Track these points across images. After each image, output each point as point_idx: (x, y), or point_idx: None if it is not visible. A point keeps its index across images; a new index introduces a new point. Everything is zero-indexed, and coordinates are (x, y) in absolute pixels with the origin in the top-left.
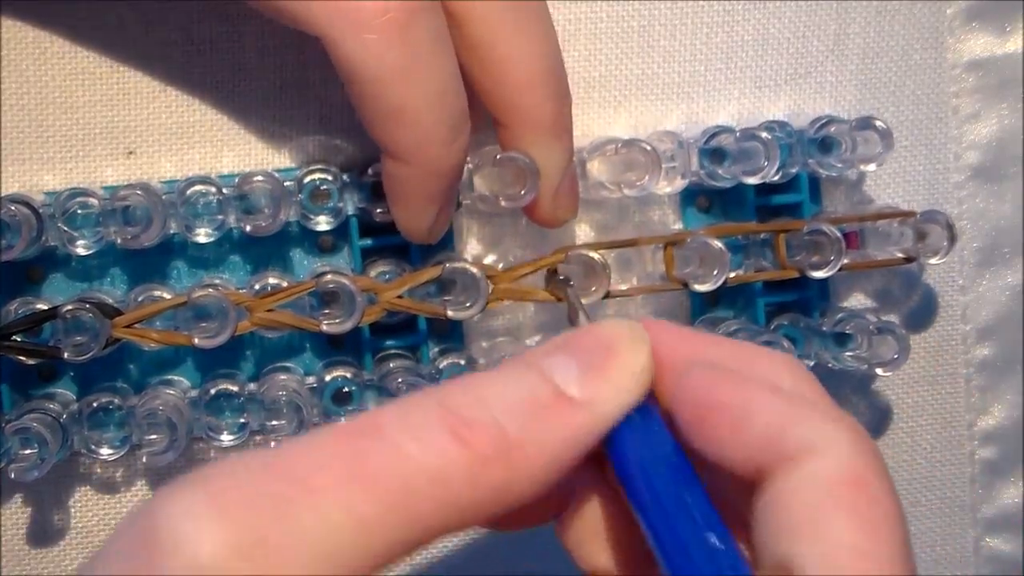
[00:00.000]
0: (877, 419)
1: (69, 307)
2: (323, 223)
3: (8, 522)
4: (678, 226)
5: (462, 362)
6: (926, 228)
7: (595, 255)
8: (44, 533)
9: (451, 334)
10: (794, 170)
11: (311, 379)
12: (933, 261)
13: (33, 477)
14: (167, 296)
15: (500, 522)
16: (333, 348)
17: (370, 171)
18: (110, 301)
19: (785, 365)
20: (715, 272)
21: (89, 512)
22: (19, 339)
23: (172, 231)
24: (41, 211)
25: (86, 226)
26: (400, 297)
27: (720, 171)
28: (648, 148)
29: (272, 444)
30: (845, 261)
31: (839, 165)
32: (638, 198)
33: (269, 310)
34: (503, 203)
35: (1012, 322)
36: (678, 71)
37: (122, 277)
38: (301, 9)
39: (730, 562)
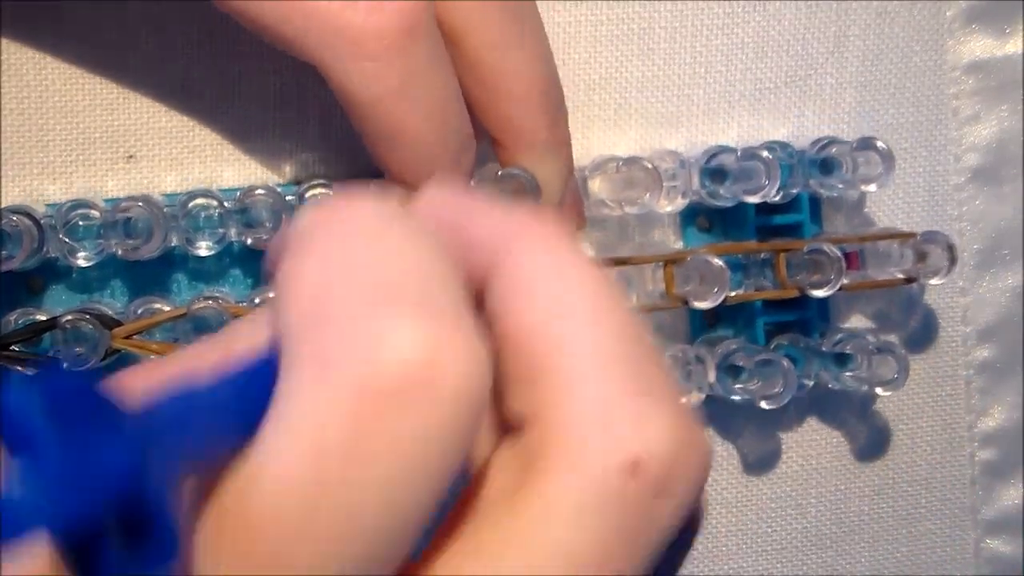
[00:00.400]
0: (877, 421)
1: (69, 318)
2: None
3: None
4: (679, 245)
5: None
6: (926, 248)
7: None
8: None
9: None
10: (795, 190)
11: None
12: (933, 282)
13: None
14: (167, 308)
15: None
16: None
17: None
18: (110, 313)
19: None
20: (715, 290)
21: None
22: (18, 349)
23: (173, 244)
24: (42, 222)
25: (87, 238)
26: None
27: (721, 190)
28: (649, 166)
29: None
30: (845, 281)
31: (840, 186)
32: (639, 216)
33: None
34: None
35: (1012, 324)
36: (678, 73)
37: (122, 289)
38: (296, 36)
39: None
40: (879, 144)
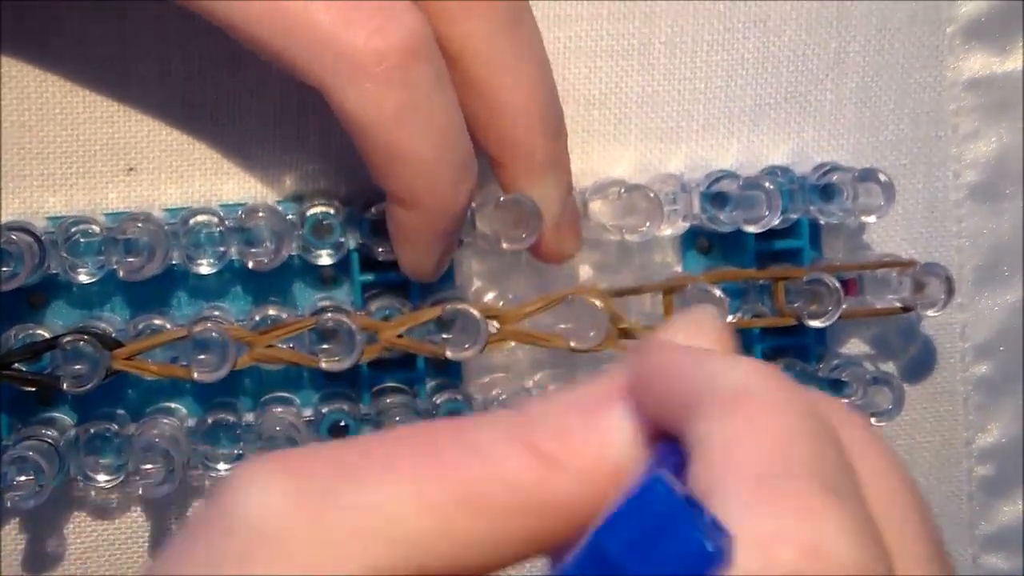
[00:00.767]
0: None
1: (69, 338)
2: (325, 257)
3: (4, 547)
4: (678, 268)
5: (459, 398)
6: (925, 279)
7: (597, 301)
8: (40, 558)
9: (448, 370)
10: (795, 216)
11: (308, 412)
12: (930, 313)
13: (30, 506)
14: (167, 326)
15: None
16: (331, 380)
17: (373, 210)
18: (110, 329)
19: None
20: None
21: (85, 537)
22: (19, 368)
23: (174, 261)
24: (43, 238)
25: (88, 254)
26: (400, 336)
27: (722, 216)
28: (651, 195)
29: None
30: (843, 308)
31: (840, 213)
32: (639, 241)
33: (269, 346)
34: (505, 245)
35: (1011, 340)
36: (678, 89)
37: (123, 305)
38: (297, 58)
39: None
40: (881, 176)
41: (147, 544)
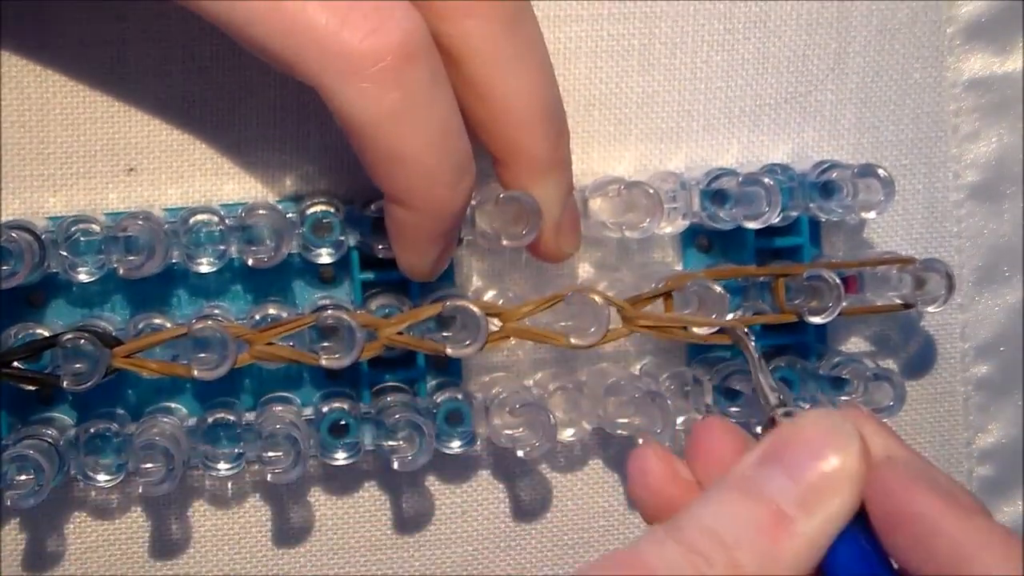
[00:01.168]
0: None
1: (69, 336)
2: (325, 255)
3: (5, 548)
4: (679, 265)
5: (459, 397)
6: (925, 276)
7: (597, 298)
8: (40, 558)
9: (449, 368)
10: (795, 213)
11: (308, 411)
12: (931, 309)
13: (29, 504)
14: (167, 324)
15: None
16: (331, 379)
17: (372, 207)
18: (110, 328)
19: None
20: (714, 316)
21: (85, 537)
22: (19, 366)
23: (174, 260)
24: (43, 237)
25: (88, 253)
26: (400, 333)
27: (722, 214)
28: (651, 191)
29: (268, 476)
30: (843, 305)
31: (840, 210)
32: (639, 238)
33: (269, 343)
34: (504, 242)
35: (1011, 341)
36: (679, 90)
37: (123, 303)
38: (294, 58)
39: None
40: (880, 172)
41: (147, 544)
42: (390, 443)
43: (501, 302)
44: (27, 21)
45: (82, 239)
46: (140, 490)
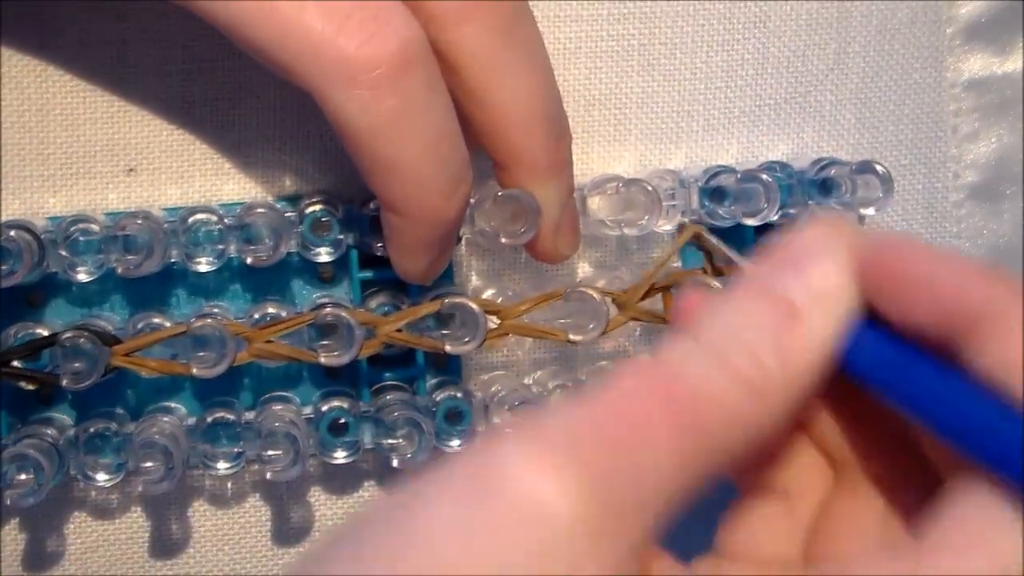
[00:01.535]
0: None
1: (68, 335)
2: (323, 254)
3: (5, 547)
4: (677, 264)
5: (459, 395)
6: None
7: (595, 294)
8: (40, 558)
9: (449, 367)
10: (794, 211)
11: (308, 409)
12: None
13: (29, 503)
14: (166, 323)
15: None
16: (330, 378)
17: (371, 205)
18: (110, 327)
19: None
20: None
21: (85, 537)
22: (18, 365)
23: (173, 259)
24: (43, 237)
25: (87, 252)
26: (399, 331)
27: (720, 211)
28: (649, 188)
29: (267, 475)
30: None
31: (839, 207)
32: (638, 235)
33: (268, 341)
34: (503, 240)
35: None
36: (678, 90)
37: (122, 303)
38: (290, 63)
39: None
40: (879, 168)
41: (147, 544)
42: (390, 441)
43: (500, 300)
44: (27, 21)
45: (81, 239)
46: (140, 489)
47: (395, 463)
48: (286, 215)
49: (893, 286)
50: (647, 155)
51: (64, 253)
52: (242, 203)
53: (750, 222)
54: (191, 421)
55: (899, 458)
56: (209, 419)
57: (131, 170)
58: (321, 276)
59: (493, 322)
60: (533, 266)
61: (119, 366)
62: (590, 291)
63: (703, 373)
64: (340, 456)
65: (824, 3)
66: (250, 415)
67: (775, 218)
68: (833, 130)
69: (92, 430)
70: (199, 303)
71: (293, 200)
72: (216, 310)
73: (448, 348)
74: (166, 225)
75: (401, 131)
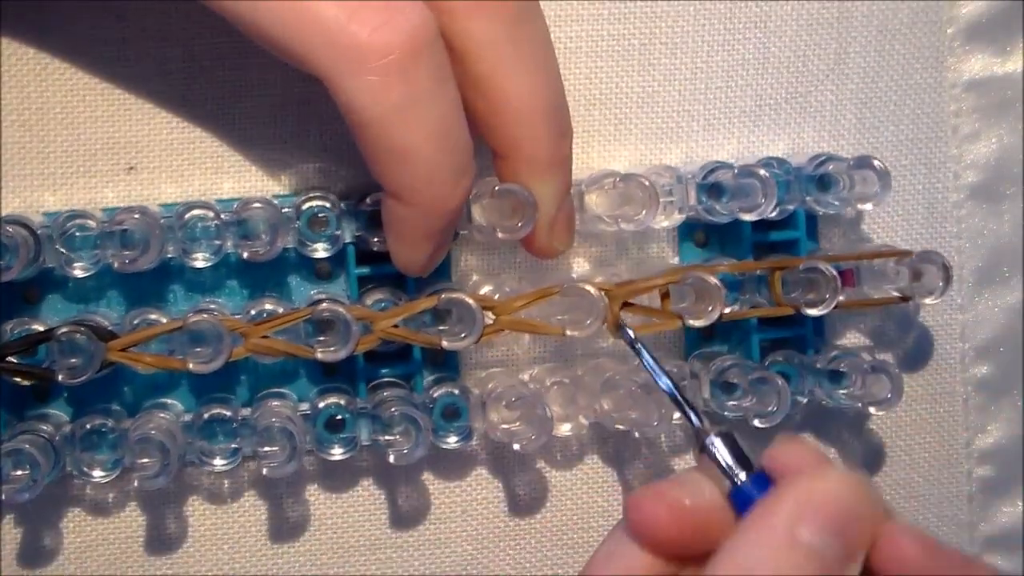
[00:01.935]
0: (873, 438)
1: (64, 330)
2: (320, 250)
3: (2, 545)
4: (675, 260)
5: (456, 392)
6: (922, 268)
7: (591, 289)
8: (37, 554)
9: (446, 364)
10: (791, 207)
11: (304, 406)
12: (928, 301)
13: (24, 499)
14: (163, 319)
15: None
16: (327, 374)
17: (368, 200)
18: (106, 323)
19: None
20: (710, 309)
21: (81, 533)
22: (14, 360)
23: (169, 255)
24: (39, 232)
25: (84, 248)
26: (395, 326)
27: (718, 207)
28: (646, 183)
29: (264, 471)
30: (840, 299)
31: (836, 203)
32: (636, 231)
33: (264, 337)
34: (500, 235)
35: (1010, 341)
36: (679, 89)
37: (119, 299)
38: (302, 49)
39: None
40: (876, 163)
41: (143, 540)
42: (386, 438)
43: (497, 296)
44: (27, 20)
45: (78, 234)
46: (136, 485)
47: (392, 459)
48: (283, 211)
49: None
50: (647, 154)
51: (61, 249)
52: (239, 199)
53: (747, 218)
54: (187, 417)
55: None
56: (205, 415)
57: (131, 168)
58: (318, 272)
59: (490, 318)
60: (530, 262)
61: (115, 362)
62: (587, 287)
63: None
64: (337, 452)
65: (824, 3)
66: (246, 411)
67: (772, 214)
68: (833, 130)
69: (88, 426)
70: (196, 299)
71: (291, 197)
72: (213, 306)
73: (445, 344)
74: (163, 221)
75: (410, 118)
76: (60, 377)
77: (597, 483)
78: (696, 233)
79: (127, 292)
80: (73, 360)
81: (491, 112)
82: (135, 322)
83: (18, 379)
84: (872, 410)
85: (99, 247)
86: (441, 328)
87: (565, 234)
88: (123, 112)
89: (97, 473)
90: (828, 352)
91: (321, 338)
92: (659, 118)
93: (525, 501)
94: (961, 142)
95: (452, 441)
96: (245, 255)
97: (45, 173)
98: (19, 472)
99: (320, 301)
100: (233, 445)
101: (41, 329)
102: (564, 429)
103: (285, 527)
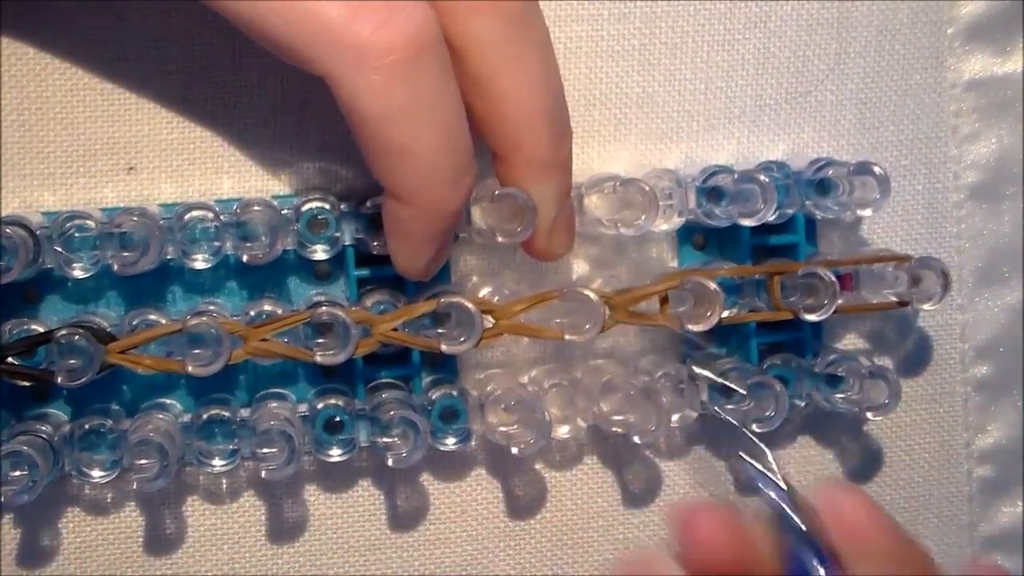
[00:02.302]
0: (873, 439)
1: (63, 332)
2: (320, 252)
3: (3, 547)
4: (674, 263)
5: (454, 393)
6: (921, 273)
7: (591, 295)
8: (36, 555)
9: (444, 365)
10: (791, 211)
11: (303, 407)
12: (926, 307)
13: (23, 501)
14: (162, 320)
15: None
16: (326, 376)
17: (368, 203)
18: (105, 324)
19: None
20: (709, 313)
21: (80, 534)
22: (13, 362)
23: (169, 256)
24: (38, 233)
25: (83, 249)
26: (395, 330)
27: (717, 211)
28: (646, 188)
29: (262, 473)
30: (839, 303)
31: (836, 208)
32: (635, 235)
33: (264, 339)
34: (499, 238)
35: (1010, 341)
36: (678, 90)
37: (118, 300)
38: (304, 48)
39: None
40: (876, 169)
41: (142, 540)
42: (385, 440)
43: (496, 299)
44: (27, 20)
45: (77, 235)
46: (135, 486)
47: (390, 461)
48: (283, 212)
49: None
50: (647, 155)
51: (60, 249)
52: (239, 200)
53: (747, 222)
54: (186, 418)
55: None
56: (204, 416)
57: (131, 168)
58: (317, 273)
59: (489, 321)
60: (529, 263)
61: (114, 363)
62: (586, 291)
63: None
64: (335, 454)
65: (824, 3)
66: (245, 413)
67: (772, 218)
68: (833, 130)
69: (87, 427)
70: (195, 300)
71: (291, 198)
72: (212, 307)
73: (444, 347)
74: (162, 222)
75: (412, 118)
76: (59, 379)
77: (595, 484)
78: (695, 236)
79: (126, 292)
80: (72, 362)
81: (491, 112)
82: (134, 323)
83: (17, 380)
84: (870, 415)
85: (98, 248)
86: (440, 331)
87: (565, 237)
88: (123, 112)
89: (96, 473)
90: (826, 356)
91: (320, 340)
92: (659, 118)
93: (524, 502)
94: (961, 142)
95: (450, 443)
96: (245, 258)
97: (44, 173)
98: (18, 473)
99: (320, 304)
100: (232, 446)
101: (41, 330)
102: (562, 431)
103: (284, 527)
